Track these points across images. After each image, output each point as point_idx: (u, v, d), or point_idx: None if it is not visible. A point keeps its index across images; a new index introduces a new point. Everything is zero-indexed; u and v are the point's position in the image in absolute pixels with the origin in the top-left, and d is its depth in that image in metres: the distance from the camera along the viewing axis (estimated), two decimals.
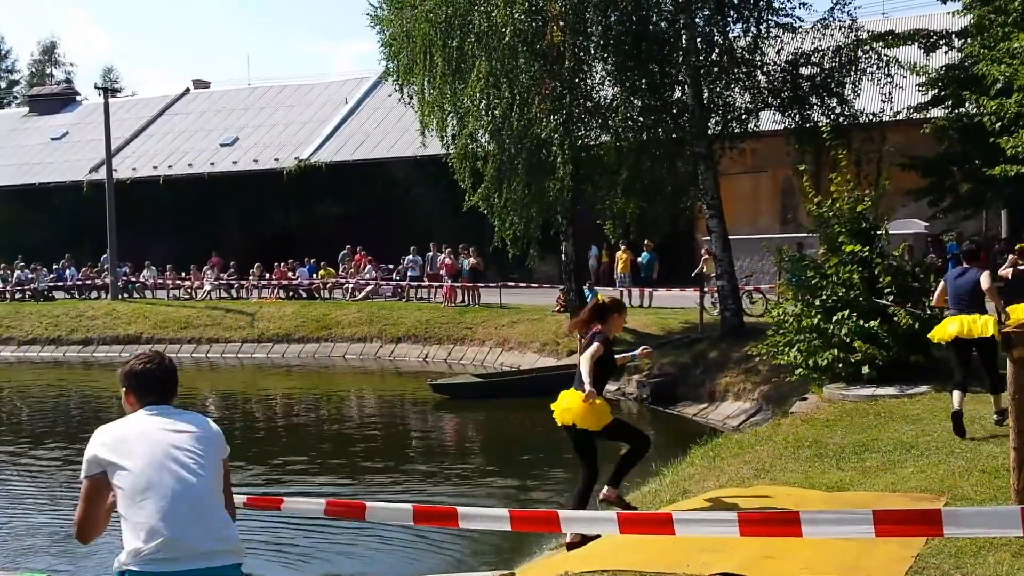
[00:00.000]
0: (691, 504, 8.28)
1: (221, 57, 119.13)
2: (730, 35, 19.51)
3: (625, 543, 7.27)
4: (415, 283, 30.54)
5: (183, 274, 35.34)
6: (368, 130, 40.70)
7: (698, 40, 19.09)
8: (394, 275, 31.85)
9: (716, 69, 19.27)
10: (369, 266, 32.19)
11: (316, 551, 10.79)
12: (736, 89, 19.54)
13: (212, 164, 41.64)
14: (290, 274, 33.26)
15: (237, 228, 38.94)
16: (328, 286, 32.48)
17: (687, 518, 4.44)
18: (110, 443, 3.59)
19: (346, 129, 41.48)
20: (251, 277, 33.59)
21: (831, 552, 6.48)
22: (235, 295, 33.80)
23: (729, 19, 19.32)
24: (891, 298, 13.03)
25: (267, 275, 33.47)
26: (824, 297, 13.27)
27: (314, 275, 32.98)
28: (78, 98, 53.70)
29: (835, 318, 12.96)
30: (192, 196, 40.42)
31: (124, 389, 3.84)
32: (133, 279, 35.74)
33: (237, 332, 29.89)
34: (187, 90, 50.31)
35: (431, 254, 30.94)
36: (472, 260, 28.61)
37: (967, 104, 18.63)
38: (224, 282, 34.12)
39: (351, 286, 31.73)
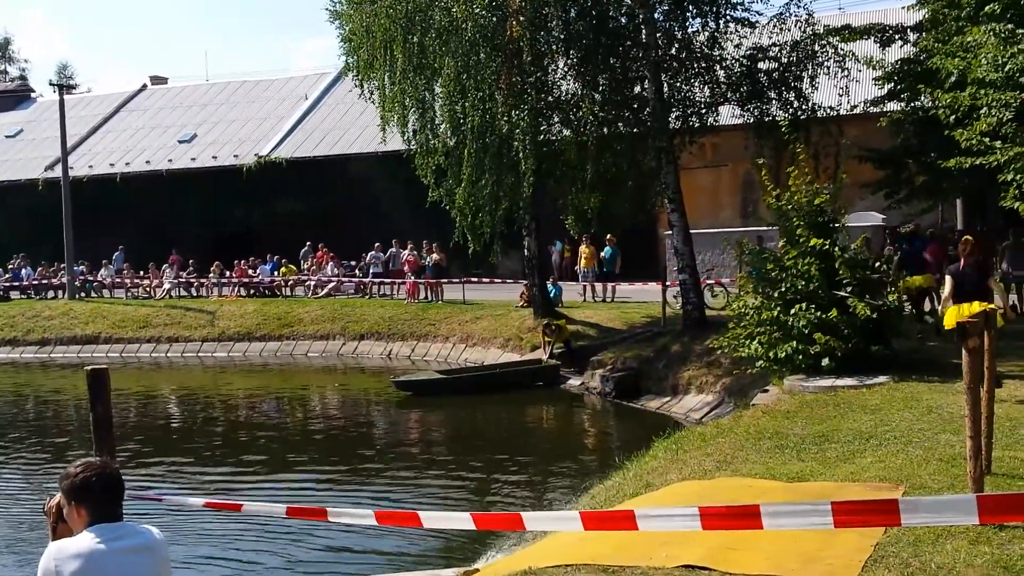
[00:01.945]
0: (654, 497, 8.32)
1: (179, 53, 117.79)
2: (689, 30, 19.62)
3: (588, 536, 7.27)
4: (378, 279, 30.41)
5: (141, 273, 34.87)
6: (328, 126, 40.44)
7: (657, 35, 19.14)
8: (356, 272, 31.69)
9: (675, 64, 19.36)
10: (331, 263, 31.99)
11: (276, 549, 10.72)
12: (696, 84, 19.63)
13: (170, 161, 41.15)
14: (251, 272, 32.95)
15: (196, 226, 38.51)
16: (290, 283, 32.24)
17: (650, 513, 4.45)
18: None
19: (306, 125, 41.17)
20: (211, 275, 33.23)
21: (793, 542, 6.55)
22: (195, 293, 33.43)
23: (688, 14, 19.42)
24: (849, 290, 13.17)
25: (227, 273, 33.14)
26: (784, 289, 13.37)
27: (275, 273, 32.71)
28: (32, 95, 52.87)
29: (794, 310, 13.07)
30: (150, 194, 39.89)
31: (71, 503, 3.60)
32: (91, 278, 35.21)
33: (197, 331, 29.57)
34: (144, 86, 49.66)
35: (394, 250, 30.82)
36: (435, 256, 28.53)
37: (922, 97, 18.86)
38: (183, 280, 33.74)
39: (313, 283, 31.52)
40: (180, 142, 42.41)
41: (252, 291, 32.43)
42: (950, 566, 5.87)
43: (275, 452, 16.43)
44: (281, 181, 38.16)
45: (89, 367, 6.39)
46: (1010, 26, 13.32)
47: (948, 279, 12.30)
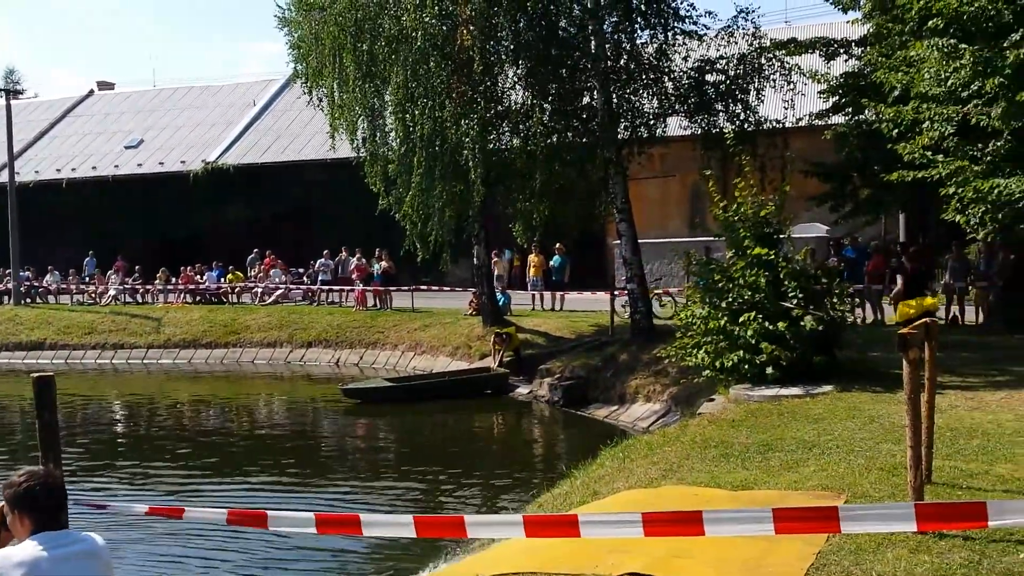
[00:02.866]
0: (600, 505, 8.31)
1: (126, 59, 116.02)
2: (638, 42, 19.74)
3: (534, 544, 7.24)
4: (326, 287, 30.16)
5: (87, 279, 34.23)
6: (277, 132, 40.12)
7: (606, 46, 19.24)
8: (304, 279, 31.42)
9: (624, 75, 19.45)
10: (278, 270, 31.67)
11: (219, 556, 10.54)
12: (644, 95, 19.74)
13: (116, 167, 40.59)
14: (197, 279, 32.54)
15: (143, 232, 37.92)
16: (236, 290, 31.88)
17: (593, 519, 4.42)
18: None
19: (254, 131, 40.80)
20: (157, 282, 32.78)
21: (737, 550, 6.58)
22: (140, 300, 32.97)
23: (637, 26, 19.53)
24: (795, 301, 13.32)
25: (173, 280, 32.75)
26: (731, 300, 13.50)
27: (222, 279, 32.32)
28: None
29: (741, 320, 13.19)
30: (96, 200, 39.30)
31: (15, 512, 3.62)
32: (36, 284, 34.53)
33: (143, 337, 29.17)
34: (91, 92, 49.01)
35: (342, 257, 30.59)
36: (384, 264, 28.38)
37: (866, 111, 19.19)
38: (129, 287, 33.23)
39: (260, 290, 31.18)
40: (127, 148, 41.83)
41: (198, 298, 32.06)
42: (891, 574, 5.93)
43: (221, 460, 16.20)
44: (229, 187, 37.75)
45: (36, 374, 6.24)
46: (952, 41, 13.59)
47: (899, 278, 13.95)
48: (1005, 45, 13.05)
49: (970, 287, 20.34)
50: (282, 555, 10.61)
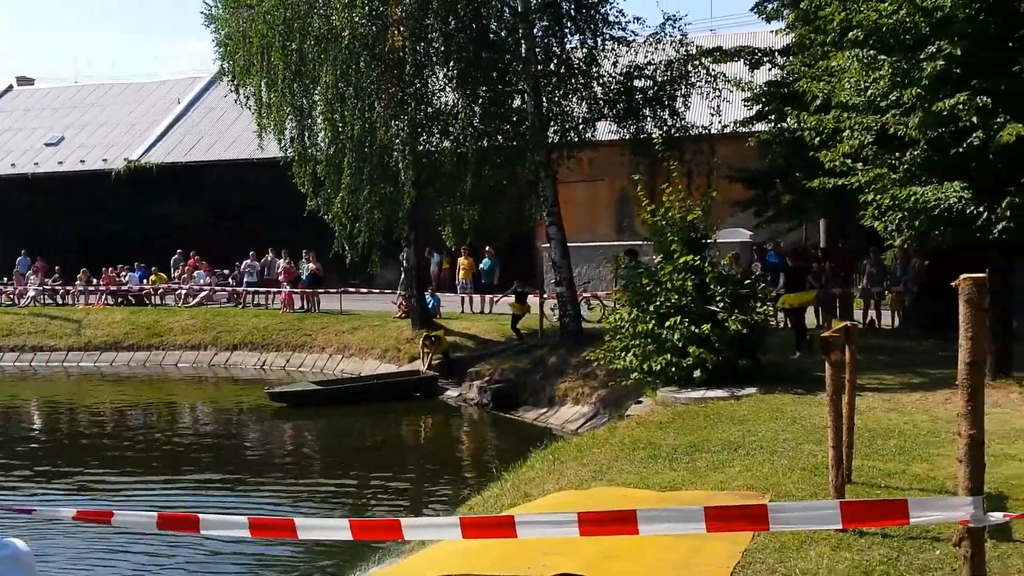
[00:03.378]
0: (531, 507, 8.37)
1: (47, 55, 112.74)
2: (567, 46, 19.91)
3: (468, 547, 7.28)
4: (252, 289, 29.72)
5: (5, 279, 33.18)
6: (202, 131, 39.40)
7: (537, 50, 19.36)
8: (230, 281, 30.92)
9: (554, 79, 19.61)
10: (203, 271, 31.11)
11: (150, 564, 10.34)
12: (574, 99, 19.94)
13: (36, 164, 39.45)
14: (119, 279, 31.77)
15: (63, 231, 36.86)
16: (160, 292, 31.23)
17: (529, 520, 4.47)
18: None
19: (179, 129, 40.02)
20: (78, 283, 31.91)
21: (666, 550, 6.71)
22: (60, 301, 32.08)
23: (566, 31, 19.68)
24: (721, 305, 13.58)
25: (95, 280, 31.92)
26: (658, 303, 13.70)
27: (144, 280, 31.62)
28: None
29: (668, 323, 13.40)
30: (14, 197, 38.12)
31: None
32: None
33: (63, 340, 28.39)
34: (10, 87, 47.54)
35: (269, 259, 30.18)
36: (312, 265, 28.09)
37: (788, 119, 19.62)
38: (49, 288, 32.27)
39: (184, 292, 30.59)
40: (47, 145, 40.66)
41: (120, 299, 31.31)
42: (814, 571, 6.09)
43: (146, 464, 15.87)
44: (152, 186, 36.92)
45: None
46: (872, 52, 13.95)
47: (782, 275, 16.68)
48: (922, 57, 13.45)
49: (887, 292, 20.99)
50: (212, 558, 10.46)
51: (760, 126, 21.97)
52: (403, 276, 25.90)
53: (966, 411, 4.14)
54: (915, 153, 14.01)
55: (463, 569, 7.00)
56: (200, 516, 4.96)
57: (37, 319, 29.68)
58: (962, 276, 4.23)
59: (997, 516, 4.27)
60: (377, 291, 28.51)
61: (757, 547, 6.57)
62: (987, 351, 4.37)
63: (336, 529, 4.82)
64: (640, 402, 13.39)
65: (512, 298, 22.30)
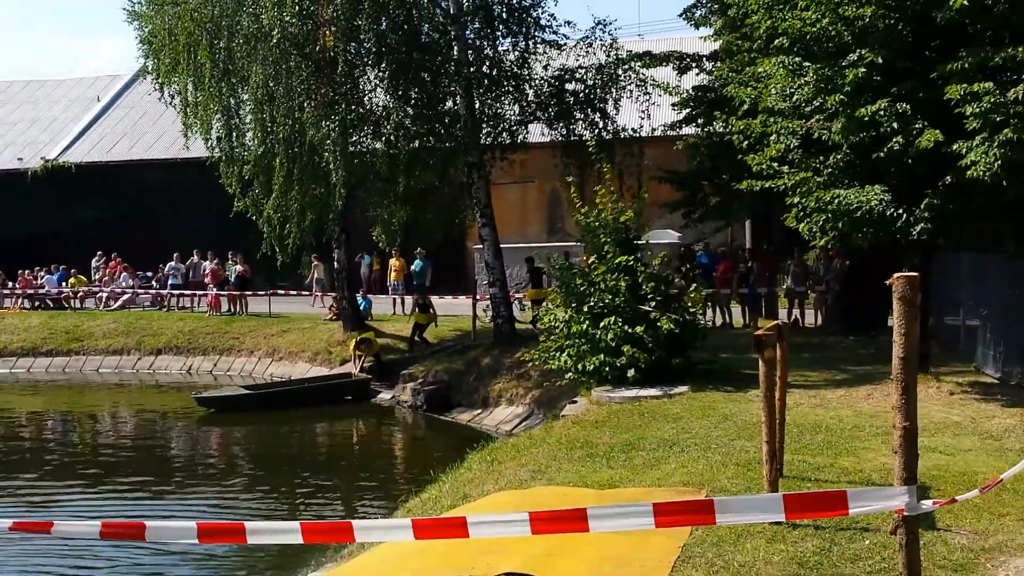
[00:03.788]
0: (472, 508, 8.40)
1: None
2: (500, 48, 20.00)
3: (409, 549, 7.28)
4: (177, 291, 29.12)
5: None
6: (124, 130, 38.48)
7: (469, 52, 19.41)
8: (153, 283, 30.24)
9: (487, 81, 19.67)
10: (125, 274, 30.37)
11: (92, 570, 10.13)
12: (506, 102, 20.03)
13: None
14: (35, 282, 30.81)
15: None
16: (79, 295, 30.38)
17: (482, 520, 4.51)
18: None
19: (99, 128, 39.01)
20: None
21: (608, 547, 6.81)
22: None
23: (498, 33, 19.77)
24: (653, 304, 13.79)
25: (10, 284, 30.86)
26: (592, 304, 13.85)
27: (63, 283, 30.73)
28: None
29: (603, 324, 13.56)
30: None
31: None
32: None
33: None
34: None
35: (194, 261, 29.60)
36: (239, 267, 27.66)
37: (715, 123, 20.00)
38: None
39: (106, 295, 29.84)
40: None
41: (37, 303, 30.35)
42: (751, 564, 6.27)
43: (72, 473, 15.46)
44: (71, 187, 35.83)
45: None
46: (797, 59, 14.33)
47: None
48: (844, 64, 13.87)
49: (809, 291, 21.54)
50: (151, 563, 10.27)
51: (688, 129, 22.35)
52: (312, 276, 26.19)
53: (900, 404, 4.31)
54: (838, 157, 14.42)
55: (404, 572, 7.01)
56: (146, 523, 4.86)
57: None
58: (896, 275, 4.40)
59: (929, 504, 4.46)
60: (307, 293, 28.22)
61: (695, 542, 6.73)
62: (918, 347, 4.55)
63: (286, 533, 4.79)
64: (575, 402, 13.52)
65: (416, 310, 22.49)
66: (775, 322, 9.29)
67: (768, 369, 7.16)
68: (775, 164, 14.92)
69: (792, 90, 14.32)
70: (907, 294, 4.30)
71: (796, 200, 14.74)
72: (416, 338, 22.04)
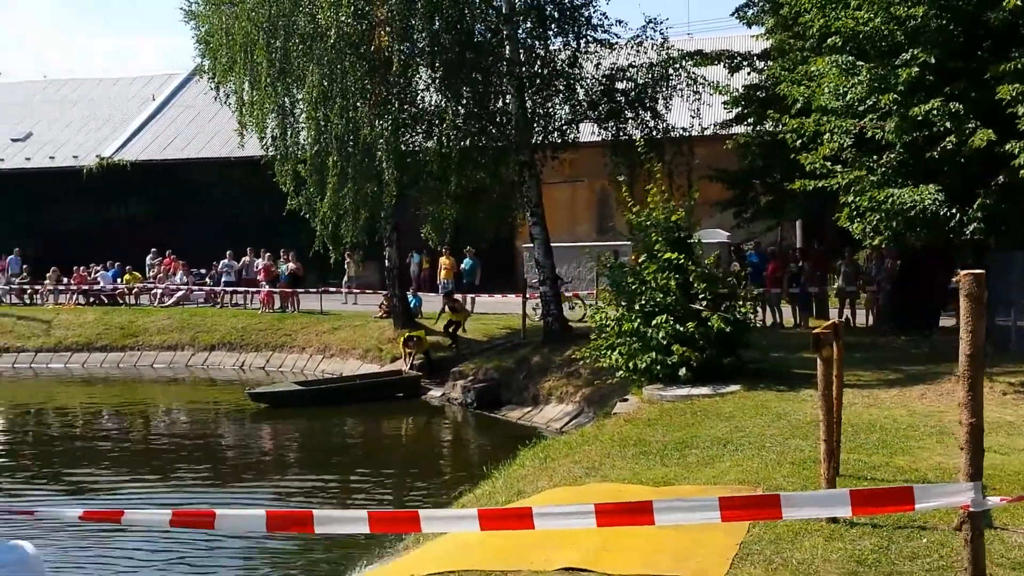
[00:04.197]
0: (529, 503, 8.49)
1: (13, 49, 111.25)
2: (551, 48, 20.09)
3: (467, 543, 7.38)
4: (230, 288, 29.57)
5: (11, 277, 32.51)
6: (178, 128, 39.13)
7: (521, 52, 19.53)
8: (207, 280, 30.75)
9: (538, 81, 19.78)
10: (180, 271, 30.91)
11: (152, 561, 10.37)
12: (557, 101, 20.12)
13: (1, 160, 38.90)
14: (90, 278, 31.44)
15: (30, 229, 36.42)
16: (134, 291, 30.95)
17: (547, 512, 4.61)
18: None
19: (154, 127, 39.71)
20: (47, 281, 31.47)
21: (664, 543, 6.84)
22: (28, 300, 31.61)
23: (550, 32, 19.88)
24: (704, 303, 13.80)
25: (65, 280, 31.49)
26: (643, 302, 13.89)
27: (118, 280, 31.33)
28: None
29: (654, 322, 13.59)
30: None
31: None
32: None
33: (31, 340, 27.93)
34: None
35: (247, 258, 30.07)
36: (291, 265, 28.04)
37: (767, 122, 19.94)
38: (16, 287, 31.81)
39: (160, 292, 30.37)
40: (13, 140, 40.12)
41: (92, 299, 30.95)
42: (809, 561, 6.28)
43: (132, 465, 15.81)
44: (126, 184, 36.56)
45: None
46: (850, 58, 14.29)
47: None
48: (897, 64, 13.80)
49: (861, 291, 21.37)
50: (208, 555, 10.50)
51: (739, 128, 22.27)
52: (346, 274, 26.34)
53: (967, 400, 4.33)
54: (891, 156, 14.36)
55: (464, 564, 7.09)
56: (216, 511, 5.02)
57: (3, 319, 29.16)
58: (962, 272, 4.42)
59: (995, 500, 4.48)
60: (358, 291, 28.56)
61: (753, 539, 6.74)
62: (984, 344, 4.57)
63: (353, 521, 4.92)
64: (626, 400, 13.56)
65: (447, 309, 22.60)
66: (831, 321, 9.26)
67: (827, 367, 7.15)
68: (828, 163, 14.88)
69: (845, 89, 14.28)
70: (973, 291, 4.32)
71: (849, 199, 14.70)
72: (452, 332, 22.11)
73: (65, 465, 16.08)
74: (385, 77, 18.11)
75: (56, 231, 36.08)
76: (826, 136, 14.59)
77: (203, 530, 8.84)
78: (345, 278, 28.98)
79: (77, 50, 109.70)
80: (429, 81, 19.37)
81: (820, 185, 14.85)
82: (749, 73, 22.29)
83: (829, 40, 14.78)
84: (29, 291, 31.77)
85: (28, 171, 38.13)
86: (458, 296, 23.56)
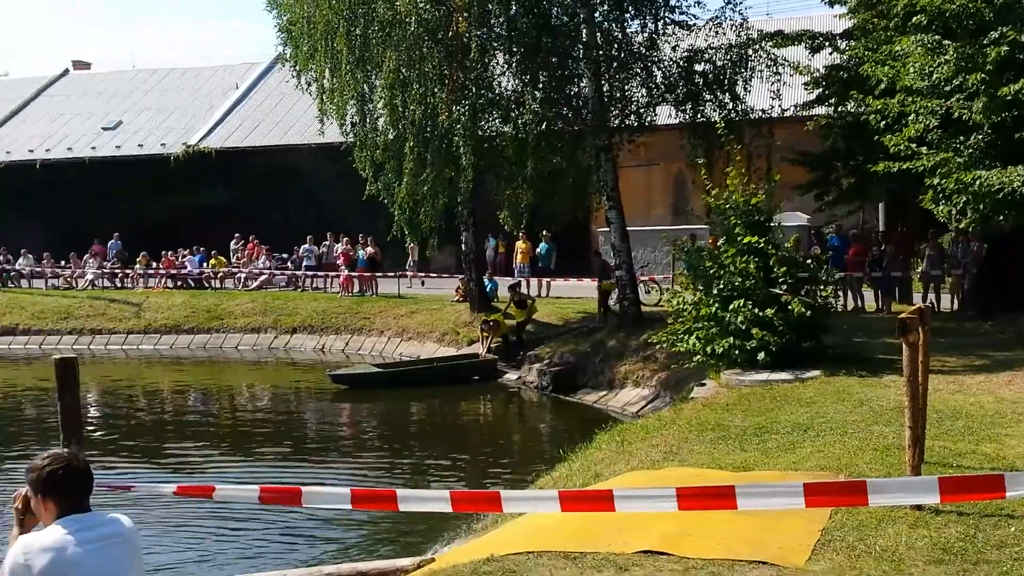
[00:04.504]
0: (607, 486, 8.54)
1: (101, 39, 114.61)
2: (628, 31, 19.97)
3: (545, 524, 7.46)
4: (311, 273, 30.19)
5: (62, 263, 33.89)
6: (260, 116, 39.94)
7: (598, 35, 19.44)
8: (289, 265, 31.42)
9: (615, 64, 19.68)
10: (263, 255, 31.64)
11: (240, 535, 10.71)
12: (634, 84, 20.00)
13: (94, 148, 40.15)
14: (178, 263, 32.39)
15: (120, 215, 37.61)
16: (219, 275, 31.80)
17: (628, 494, 4.67)
18: (39, 570, 3.41)
19: (237, 114, 40.61)
20: (137, 266, 32.53)
21: (743, 528, 6.82)
22: (119, 284, 32.70)
23: (627, 15, 19.75)
24: (784, 287, 13.64)
25: (154, 264, 32.49)
26: (721, 286, 13.78)
27: (204, 264, 32.21)
28: None
29: (732, 306, 13.48)
30: (71, 181, 38.85)
31: (38, 496, 3.57)
32: (8, 267, 34.11)
33: (122, 323, 28.93)
34: (66, 71, 48.31)
35: (327, 243, 30.63)
36: (369, 249, 28.48)
37: (849, 103, 19.55)
38: (107, 271, 32.95)
39: (244, 276, 31.14)
40: (104, 129, 41.42)
41: (179, 283, 31.89)
42: (893, 549, 6.21)
43: (218, 443, 16.35)
44: (211, 171, 37.53)
45: (57, 356, 6.30)
46: (936, 37, 13.93)
47: None
48: (985, 42, 13.42)
49: (946, 275, 20.86)
50: (288, 535, 10.79)
51: (820, 110, 21.86)
52: (410, 258, 26.45)
53: None
54: (979, 137, 14.00)
55: (543, 545, 7.16)
56: (303, 488, 5.18)
57: (95, 302, 30.18)
58: None
59: None
60: (434, 275, 28.88)
61: (835, 526, 6.69)
62: None
63: (436, 501, 5.05)
64: (703, 384, 13.50)
65: (512, 304, 22.21)
66: (917, 306, 9.09)
67: (913, 352, 7.03)
68: (913, 145, 14.55)
69: (931, 69, 13.95)
70: None
71: (934, 181, 14.37)
72: (517, 335, 21.81)
73: (156, 442, 16.66)
74: (462, 62, 18.21)
75: (145, 217, 37.16)
76: (911, 117, 14.26)
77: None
78: (409, 262, 29.40)
79: (165, 39, 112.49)
80: (506, 66, 19.43)
81: (904, 167, 14.53)
82: (831, 53, 21.84)
83: (914, 19, 14.42)
84: (120, 275, 32.82)
85: (119, 159, 39.31)
86: (524, 290, 23.14)
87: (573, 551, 6.78)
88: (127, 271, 32.73)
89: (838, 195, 21.62)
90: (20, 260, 34.33)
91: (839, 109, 20.76)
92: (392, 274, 28.36)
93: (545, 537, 7.33)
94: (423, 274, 29.25)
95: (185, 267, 32.22)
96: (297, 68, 22.62)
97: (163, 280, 32.02)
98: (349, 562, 8.98)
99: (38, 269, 33.88)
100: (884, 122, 14.98)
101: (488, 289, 24.80)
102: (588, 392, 18.28)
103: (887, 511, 6.69)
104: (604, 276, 21.95)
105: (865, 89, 16.38)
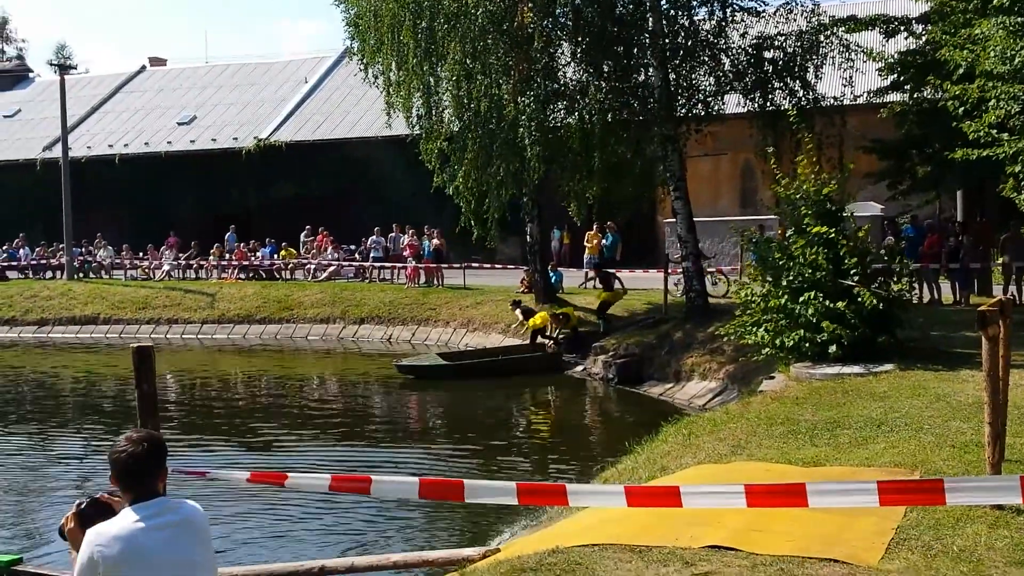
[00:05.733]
0: (673, 480, 8.44)
1: (176, 35, 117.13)
2: (695, 18, 19.68)
3: (611, 517, 7.39)
4: (378, 264, 30.47)
5: (140, 254, 34.82)
6: (329, 109, 40.39)
7: (664, 23, 19.19)
8: (356, 256, 31.76)
9: (682, 52, 19.41)
10: (331, 247, 32.03)
11: (281, 530, 10.83)
12: (702, 72, 19.70)
13: (169, 143, 41.05)
14: (250, 254, 32.98)
15: (194, 208, 38.50)
16: (290, 267, 32.30)
17: (695, 490, 4.59)
18: (110, 559, 3.45)
19: (306, 108, 41.13)
20: (211, 257, 33.24)
21: (813, 525, 6.67)
22: (194, 275, 33.44)
23: (694, 2, 19.48)
24: (856, 279, 13.31)
25: (227, 255, 33.14)
26: (791, 278, 13.50)
27: (275, 256, 32.74)
28: (30, 75, 52.53)
29: (802, 299, 13.19)
30: (149, 175, 39.83)
31: (113, 474, 3.61)
32: (89, 259, 35.14)
33: (197, 313, 29.62)
34: (143, 68, 49.45)
35: (394, 235, 30.88)
36: (435, 241, 28.62)
37: (926, 89, 19.01)
38: (183, 262, 33.73)
39: (313, 267, 31.57)
40: (179, 124, 42.31)
41: (251, 274, 32.48)
42: (971, 548, 6.00)
43: (288, 430, 16.62)
44: (280, 164, 38.12)
45: (135, 345, 6.44)
46: (1019, 20, 13.44)
47: None
48: None
49: None
50: (357, 522, 10.89)
51: (894, 96, 21.29)
52: None
53: None
54: None
55: (609, 538, 7.10)
56: (372, 478, 5.19)
57: (172, 293, 31.00)
58: None
59: None
60: (500, 266, 28.91)
61: (910, 524, 6.49)
62: None
63: (502, 493, 5.01)
64: (772, 377, 13.26)
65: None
66: (998, 298, 8.77)
67: (993, 346, 6.79)
68: (993, 131, 14.08)
69: (1013, 52, 13.45)
70: None
71: (1016, 169, 13.90)
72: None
73: (229, 429, 17.02)
74: (528, 53, 18.14)
75: (218, 209, 37.93)
76: (991, 103, 13.79)
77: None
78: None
79: (237, 34, 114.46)
80: (571, 56, 19.30)
81: (984, 154, 14.07)
82: (907, 38, 21.24)
83: (995, 1, 13.94)
84: (195, 266, 33.58)
85: (192, 153, 40.14)
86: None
87: (639, 544, 6.70)
88: (202, 262, 33.45)
89: (913, 184, 21.03)
90: (100, 252, 35.38)
91: (915, 95, 20.20)
92: (458, 265, 28.45)
93: (611, 530, 7.27)
94: (488, 265, 29.16)
95: (257, 258, 32.76)
96: (364, 61, 22.80)
97: (235, 271, 32.63)
98: (416, 551, 9.03)
99: (117, 260, 35.00)
100: (963, 108, 14.52)
101: (552, 280, 24.72)
102: (654, 384, 18.12)
103: (965, 510, 6.46)
104: (607, 286, 21.90)
105: (943, 74, 15.90)
